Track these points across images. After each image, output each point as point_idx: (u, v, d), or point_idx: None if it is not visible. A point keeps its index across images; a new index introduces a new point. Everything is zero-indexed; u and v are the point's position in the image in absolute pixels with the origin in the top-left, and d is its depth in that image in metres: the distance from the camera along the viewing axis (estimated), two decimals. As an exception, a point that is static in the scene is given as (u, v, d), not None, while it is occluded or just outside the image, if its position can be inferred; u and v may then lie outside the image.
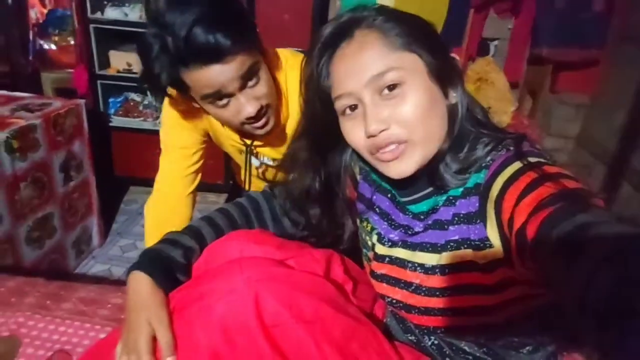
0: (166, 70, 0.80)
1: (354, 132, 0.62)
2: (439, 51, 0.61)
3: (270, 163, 1.18)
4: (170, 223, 1.01)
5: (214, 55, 0.78)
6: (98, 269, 2.00)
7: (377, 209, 0.75)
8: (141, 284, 0.66)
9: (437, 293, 0.63)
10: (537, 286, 0.58)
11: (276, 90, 0.96)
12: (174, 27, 0.75)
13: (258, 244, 0.71)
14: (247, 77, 0.84)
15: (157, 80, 0.82)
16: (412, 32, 0.60)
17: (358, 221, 0.82)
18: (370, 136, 0.59)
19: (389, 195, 0.74)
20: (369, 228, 0.76)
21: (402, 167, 0.61)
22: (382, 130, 0.58)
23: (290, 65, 1.01)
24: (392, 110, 0.58)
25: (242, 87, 0.85)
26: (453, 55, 0.61)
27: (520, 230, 0.49)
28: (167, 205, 1.06)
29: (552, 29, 2.10)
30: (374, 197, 0.76)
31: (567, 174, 0.52)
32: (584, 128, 2.41)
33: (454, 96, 0.62)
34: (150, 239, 1.03)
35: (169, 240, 0.75)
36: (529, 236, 0.47)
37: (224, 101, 0.85)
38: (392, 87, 0.58)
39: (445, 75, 0.61)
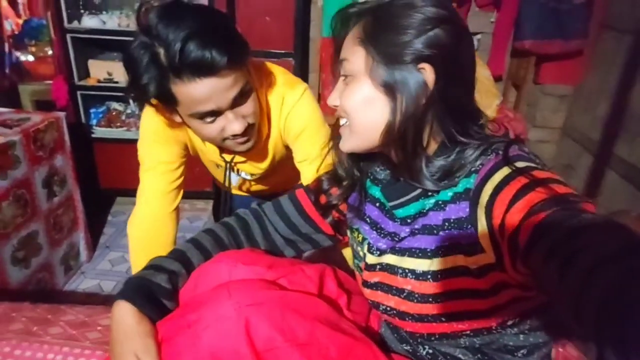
0: (155, 81, 0.78)
1: None
2: (397, 54, 0.58)
3: (249, 178, 1.16)
4: (155, 241, 0.98)
5: (210, 68, 0.76)
6: (88, 285, 1.96)
7: (367, 219, 0.75)
8: (125, 313, 0.65)
9: (430, 299, 0.63)
10: (530, 288, 0.58)
11: (260, 107, 0.95)
12: (168, 39, 0.74)
13: (247, 264, 0.69)
14: (240, 95, 0.83)
15: (144, 91, 0.79)
16: (377, 26, 0.60)
17: (349, 232, 0.81)
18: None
19: (378, 205, 0.74)
20: (360, 239, 0.76)
21: (341, 145, 0.69)
22: (335, 106, 0.67)
23: (276, 82, 1.00)
24: (342, 94, 0.65)
25: (233, 105, 0.83)
26: (422, 66, 0.58)
27: (512, 236, 0.49)
28: (151, 223, 1.02)
29: (534, 22, 2.11)
30: (365, 207, 0.76)
31: (557, 178, 0.52)
32: (568, 118, 2.43)
33: (407, 102, 0.59)
34: (136, 260, 1.00)
35: (154, 265, 0.73)
36: (521, 242, 0.47)
37: (211, 118, 0.84)
38: (345, 76, 0.65)
39: (394, 79, 0.58)
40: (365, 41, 0.61)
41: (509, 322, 0.62)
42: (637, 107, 1.87)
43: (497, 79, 2.44)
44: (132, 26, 2.18)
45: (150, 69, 0.77)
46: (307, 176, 1.04)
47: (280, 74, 1.02)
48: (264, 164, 1.10)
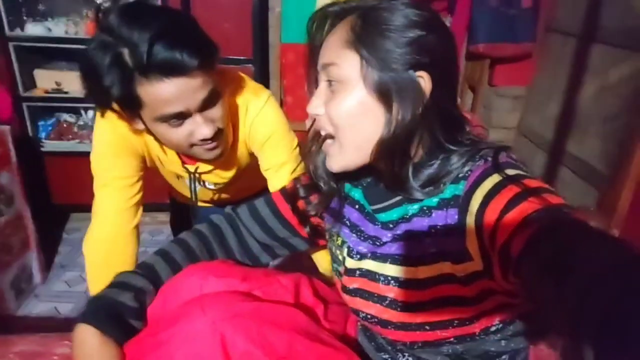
0: (119, 82, 0.73)
1: None
2: (394, 60, 0.56)
3: (212, 187, 1.12)
4: (114, 263, 0.91)
5: (179, 68, 0.72)
6: (42, 309, 1.84)
7: (347, 222, 0.73)
8: (87, 337, 0.60)
9: (414, 307, 0.61)
10: (515, 295, 0.58)
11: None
12: (133, 38, 0.70)
13: (219, 277, 0.66)
14: (209, 98, 0.80)
15: (107, 94, 0.74)
16: (370, 30, 0.56)
17: (327, 235, 0.79)
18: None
19: (357, 207, 0.72)
20: (339, 242, 0.74)
21: (329, 163, 0.64)
22: (317, 115, 0.62)
23: (240, 89, 0.97)
24: (328, 103, 0.60)
25: (202, 108, 0.80)
26: (420, 73, 0.56)
27: (505, 246, 0.48)
28: (109, 243, 0.94)
29: (486, 26, 2.19)
30: (344, 209, 0.74)
31: (548, 188, 0.51)
32: (522, 119, 2.53)
33: (404, 111, 0.56)
34: (94, 282, 0.93)
35: (118, 282, 0.68)
36: (513, 253, 0.46)
37: (179, 121, 0.80)
38: (330, 82, 0.60)
39: (391, 87, 0.56)
40: (357, 44, 0.56)
41: (492, 329, 0.62)
42: (584, 106, 1.97)
43: (454, 81, 2.51)
44: (81, 33, 2.09)
45: (113, 70, 0.72)
46: (274, 183, 1.01)
47: (243, 80, 1.00)
48: (229, 173, 1.06)
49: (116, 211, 0.94)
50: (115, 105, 0.80)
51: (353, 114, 0.58)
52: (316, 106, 0.61)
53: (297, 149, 1.03)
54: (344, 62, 0.57)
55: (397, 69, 0.55)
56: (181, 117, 0.79)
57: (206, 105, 0.80)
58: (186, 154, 0.92)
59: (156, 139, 0.88)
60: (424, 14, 0.57)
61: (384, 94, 0.56)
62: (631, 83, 1.67)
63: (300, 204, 0.78)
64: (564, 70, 2.10)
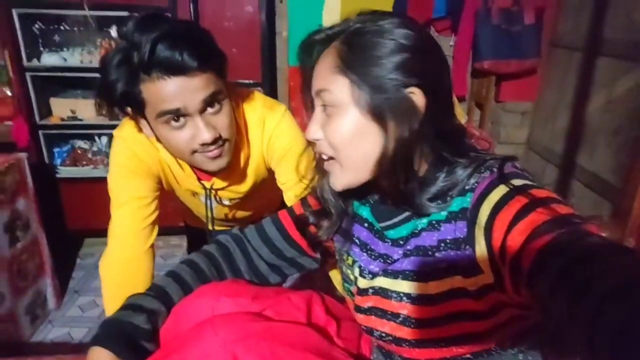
0: (124, 78, 0.77)
1: None
2: (384, 84, 0.56)
3: (228, 203, 1.14)
4: (131, 283, 0.93)
5: (179, 67, 0.76)
6: (56, 334, 1.85)
7: (356, 241, 0.73)
8: None
9: (428, 323, 0.61)
10: (528, 307, 0.57)
11: (238, 129, 0.94)
12: (140, 43, 0.75)
13: (231, 297, 0.66)
14: (210, 100, 0.82)
15: (112, 89, 0.78)
16: (357, 55, 0.57)
17: (337, 255, 0.79)
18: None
19: (366, 225, 0.72)
20: (350, 261, 0.74)
21: (332, 183, 0.65)
22: (316, 140, 0.63)
23: (255, 105, 0.99)
24: (325, 127, 0.61)
25: (203, 109, 0.82)
26: (412, 90, 0.57)
27: (515, 259, 0.48)
28: (125, 263, 0.96)
29: (490, 43, 2.21)
30: (353, 227, 0.74)
31: (556, 197, 0.50)
32: (531, 133, 2.53)
33: (401, 129, 0.57)
34: (110, 303, 0.94)
35: (130, 305, 0.69)
36: (524, 266, 0.46)
37: (181, 122, 0.82)
38: (325, 106, 0.61)
39: (384, 108, 0.56)
40: (346, 70, 0.57)
41: (508, 343, 0.61)
42: (592, 118, 1.97)
43: (460, 99, 2.53)
44: (95, 62, 2.15)
45: (121, 67, 0.77)
46: (290, 196, 1.02)
47: (258, 97, 1.02)
48: (244, 187, 1.08)
49: (132, 231, 0.96)
50: (121, 108, 0.84)
51: (350, 136, 0.58)
52: (314, 132, 0.62)
53: (314, 162, 1.05)
54: (334, 88, 0.58)
55: (388, 90, 0.56)
56: (180, 114, 0.81)
57: (206, 106, 0.82)
58: (191, 164, 0.94)
59: (165, 147, 0.90)
60: (410, 33, 0.57)
61: (378, 116, 0.57)
62: (638, 94, 1.67)
63: (311, 229, 0.78)
64: (570, 84, 2.11)
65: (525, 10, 2.14)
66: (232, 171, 0.92)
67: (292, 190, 1.02)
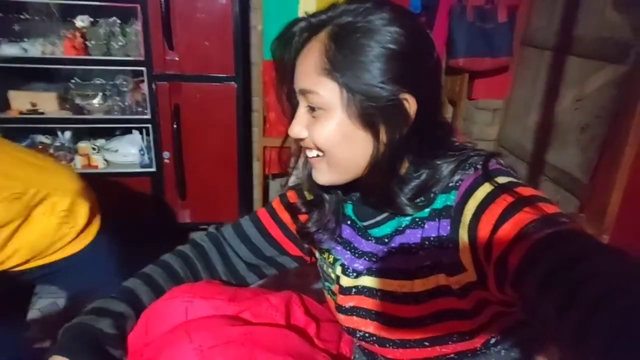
0: None
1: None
2: (375, 91, 0.53)
3: None
4: None
5: None
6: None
7: (338, 239, 0.70)
8: None
9: (412, 323, 0.59)
10: (511, 305, 0.57)
11: None
12: None
13: (206, 298, 0.63)
14: None
15: None
16: (347, 58, 0.53)
17: (318, 253, 0.77)
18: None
19: (349, 222, 0.70)
20: (331, 260, 0.71)
21: (316, 176, 0.63)
22: (300, 139, 0.61)
23: None
24: (311, 127, 0.59)
25: None
26: (404, 96, 0.54)
27: (501, 259, 0.47)
28: None
29: (465, 40, 2.23)
30: (339, 225, 0.71)
31: (542, 196, 0.50)
32: (502, 131, 2.57)
33: (391, 134, 0.55)
34: None
35: (94, 309, 0.64)
36: (511, 265, 0.45)
37: None
38: (312, 108, 0.58)
39: (375, 114, 0.54)
40: (334, 73, 0.54)
41: (492, 341, 0.61)
42: (562, 116, 2.01)
43: (434, 95, 2.55)
44: (58, 54, 2.05)
45: None
46: None
47: None
48: None
49: None
50: None
51: (338, 139, 0.56)
52: (299, 132, 0.60)
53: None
54: (323, 90, 0.55)
55: (379, 98, 0.54)
56: None
57: None
58: None
59: None
60: (402, 32, 0.54)
61: (369, 122, 0.55)
62: (607, 92, 1.71)
63: (300, 220, 0.74)
64: (541, 82, 2.15)
65: (498, 8, 2.17)
66: None
67: None
